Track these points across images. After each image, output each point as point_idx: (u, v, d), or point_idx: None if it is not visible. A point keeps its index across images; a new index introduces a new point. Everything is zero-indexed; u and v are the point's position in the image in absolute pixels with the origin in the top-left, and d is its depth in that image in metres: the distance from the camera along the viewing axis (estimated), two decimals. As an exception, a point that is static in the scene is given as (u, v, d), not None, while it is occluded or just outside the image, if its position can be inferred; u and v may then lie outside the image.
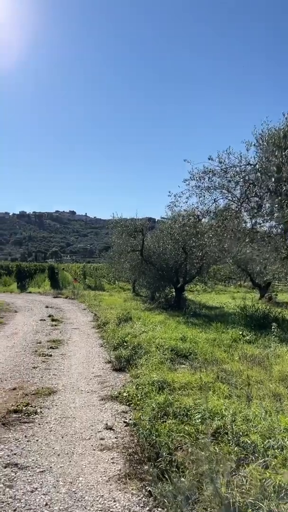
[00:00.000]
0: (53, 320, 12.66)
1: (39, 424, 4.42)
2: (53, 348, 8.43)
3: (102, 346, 8.78)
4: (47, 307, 16.69)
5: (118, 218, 15.89)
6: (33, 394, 5.40)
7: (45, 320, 12.76)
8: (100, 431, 4.26)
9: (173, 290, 16.30)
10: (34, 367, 6.82)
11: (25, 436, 4.09)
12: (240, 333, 9.40)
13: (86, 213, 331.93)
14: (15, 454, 3.71)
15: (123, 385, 5.81)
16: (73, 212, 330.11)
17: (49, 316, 13.63)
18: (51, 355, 7.75)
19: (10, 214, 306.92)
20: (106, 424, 4.42)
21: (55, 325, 11.65)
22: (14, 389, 5.59)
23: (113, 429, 4.31)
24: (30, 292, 24.93)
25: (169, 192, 10.67)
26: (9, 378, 6.16)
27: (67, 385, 5.87)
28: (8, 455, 3.68)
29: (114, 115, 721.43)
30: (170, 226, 14.61)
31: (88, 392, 5.60)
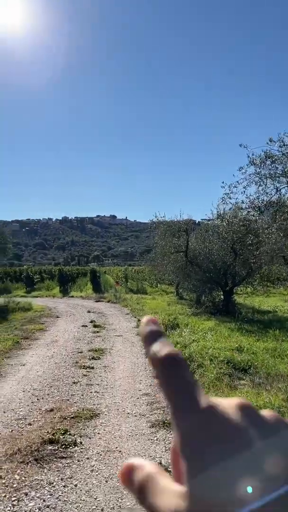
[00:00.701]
0: (95, 326, 12.02)
1: (78, 461, 3.64)
2: (95, 359, 7.71)
3: (148, 356, 7.93)
4: (89, 312, 16.16)
5: (161, 218, 15.01)
6: (72, 417, 4.65)
7: (86, 326, 12.15)
8: (152, 474, 3.40)
9: (221, 293, 15.23)
10: (74, 382, 6.10)
11: (61, 479, 3.32)
12: (305, 342, 8.22)
13: (126, 217, 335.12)
14: (48, 506, 2.93)
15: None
16: (113, 216, 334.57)
17: (91, 321, 13.02)
18: (92, 368, 7.02)
19: (53, 219, 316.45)
20: (160, 463, 3.56)
21: (97, 332, 10.98)
22: (51, 410, 4.87)
23: (169, 471, 3.43)
24: (72, 296, 24.69)
25: (223, 183, 9.66)
26: (46, 396, 5.46)
27: (111, 406, 5.07)
28: (39, 508, 2.91)
29: (158, 121, 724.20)
30: (220, 224, 13.56)
31: (135, 415, 4.77)
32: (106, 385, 6.01)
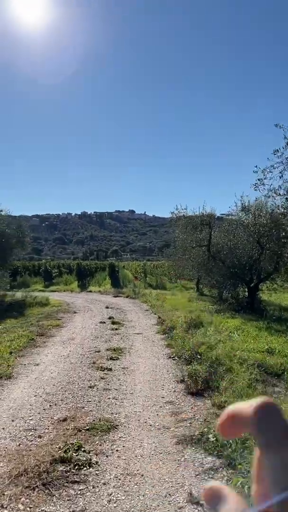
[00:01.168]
0: (113, 323, 11.51)
1: (93, 487, 3.10)
2: (114, 359, 7.18)
3: (170, 357, 7.35)
4: (107, 307, 15.69)
5: (182, 211, 14.33)
6: (87, 429, 4.12)
7: (105, 322, 11.66)
8: (181, 509, 2.83)
9: (245, 289, 14.50)
10: (90, 386, 5.58)
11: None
12: None
13: (145, 212, 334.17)
14: None
15: (206, 420, 4.34)
16: (132, 211, 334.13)
17: (109, 318, 12.53)
18: (111, 369, 6.49)
19: (73, 214, 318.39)
20: (190, 493, 2.98)
21: (116, 329, 10.47)
22: (65, 420, 4.36)
23: (201, 504, 2.86)
24: (90, 291, 24.33)
25: (256, 167, 8.91)
26: (59, 402, 4.96)
27: (131, 416, 4.52)
28: None
29: (179, 115, 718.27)
30: (244, 216, 12.81)
31: (158, 428, 4.20)
32: (125, 390, 5.47)
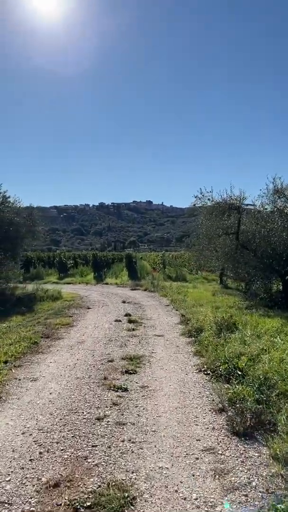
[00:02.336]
0: (130, 321, 10.09)
1: None
2: (130, 373, 5.74)
3: (201, 371, 5.85)
4: (124, 302, 14.29)
5: (208, 194, 12.67)
6: (88, 507, 2.68)
7: (121, 321, 10.25)
8: None
9: (279, 283, 12.84)
10: (98, 418, 4.15)
11: None
12: None
13: (162, 202, 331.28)
14: None
15: (268, 490, 2.84)
16: (149, 202, 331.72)
17: (126, 315, 11.12)
18: (126, 389, 5.04)
19: (90, 205, 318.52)
20: None
21: (133, 330, 9.04)
22: (57, 485, 2.94)
23: None
24: (106, 283, 23.00)
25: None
26: (54, 446, 3.55)
27: (155, 478, 3.06)
28: None
29: (195, 109, 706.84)
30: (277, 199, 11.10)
31: (198, 505, 2.73)
32: (146, 425, 4.01)
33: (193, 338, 7.96)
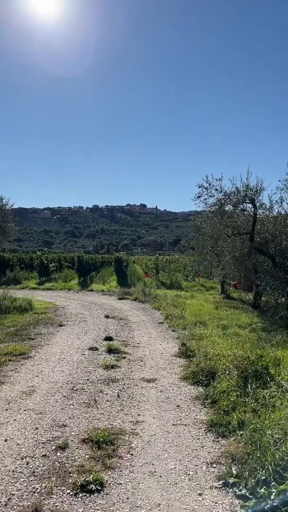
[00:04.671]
0: (110, 350, 7.27)
1: None
2: (90, 492, 2.94)
3: (232, 475, 3.06)
4: (107, 317, 11.47)
5: (216, 182, 9.89)
6: None
7: (97, 349, 7.44)
8: None
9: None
10: None
11: None
12: None
13: (156, 206, 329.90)
14: None
15: None
16: (143, 205, 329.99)
17: (107, 338, 8.32)
18: None
19: (84, 207, 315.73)
20: None
21: (112, 367, 6.22)
22: None
23: None
24: (91, 290, 20.13)
25: None
26: None
27: None
28: None
29: (192, 110, 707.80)
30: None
31: None
32: None
33: (202, 389, 5.17)
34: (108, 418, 4.28)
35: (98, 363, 6.47)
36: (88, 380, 5.58)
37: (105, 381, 5.54)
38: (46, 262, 24.14)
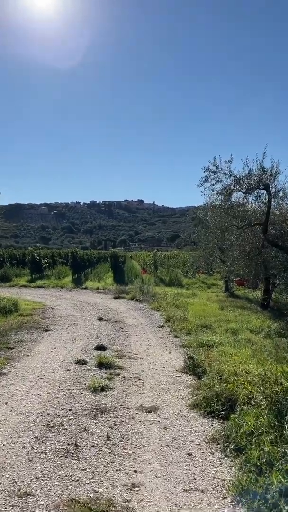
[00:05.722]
0: (101, 364, 5.99)
1: None
2: None
3: None
4: (100, 319, 10.20)
5: (225, 165, 8.56)
6: None
7: (86, 363, 6.17)
8: None
9: None
10: None
11: None
12: None
13: (154, 202, 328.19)
14: None
15: None
16: (141, 201, 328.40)
17: (98, 348, 7.06)
18: None
19: (81, 203, 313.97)
20: None
21: (102, 389, 4.93)
22: None
23: None
24: (85, 288, 18.83)
25: None
26: None
27: None
28: None
29: (191, 105, 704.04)
30: None
31: None
32: None
33: (219, 425, 3.92)
34: (92, 478, 3.02)
35: (85, 383, 5.19)
36: (70, 410, 4.31)
37: (92, 411, 4.27)
38: (38, 258, 22.82)
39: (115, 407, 4.40)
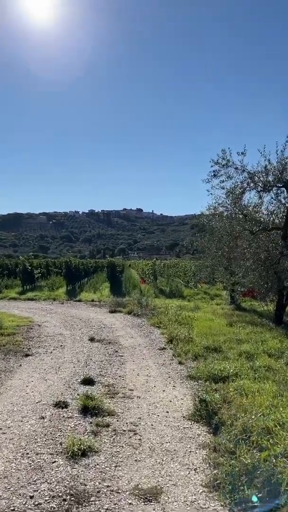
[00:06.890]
0: (85, 409, 4.57)
1: None
2: None
3: None
4: (92, 340, 8.81)
5: (238, 157, 7.25)
6: None
7: (67, 406, 4.76)
8: None
9: None
10: None
11: None
12: None
13: (152, 211, 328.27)
14: None
15: None
16: (140, 210, 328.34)
17: (85, 382, 5.66)
18: None
19: (80, 212, 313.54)
20: None
21: (84, 454, 3.53)
22: None
23: None
24: (79, 300, 17.41)
25: None
26: None
27: None
28: None
29: (191, 115, 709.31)
30: None
31: None
32: None
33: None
34: None
35: (61, 443, 3.79)
36: (31, 498, 2.91)
37: (64, 501, 2.87)
38: (30, 268, 21.43)
39: (99, 491, 3.00)
